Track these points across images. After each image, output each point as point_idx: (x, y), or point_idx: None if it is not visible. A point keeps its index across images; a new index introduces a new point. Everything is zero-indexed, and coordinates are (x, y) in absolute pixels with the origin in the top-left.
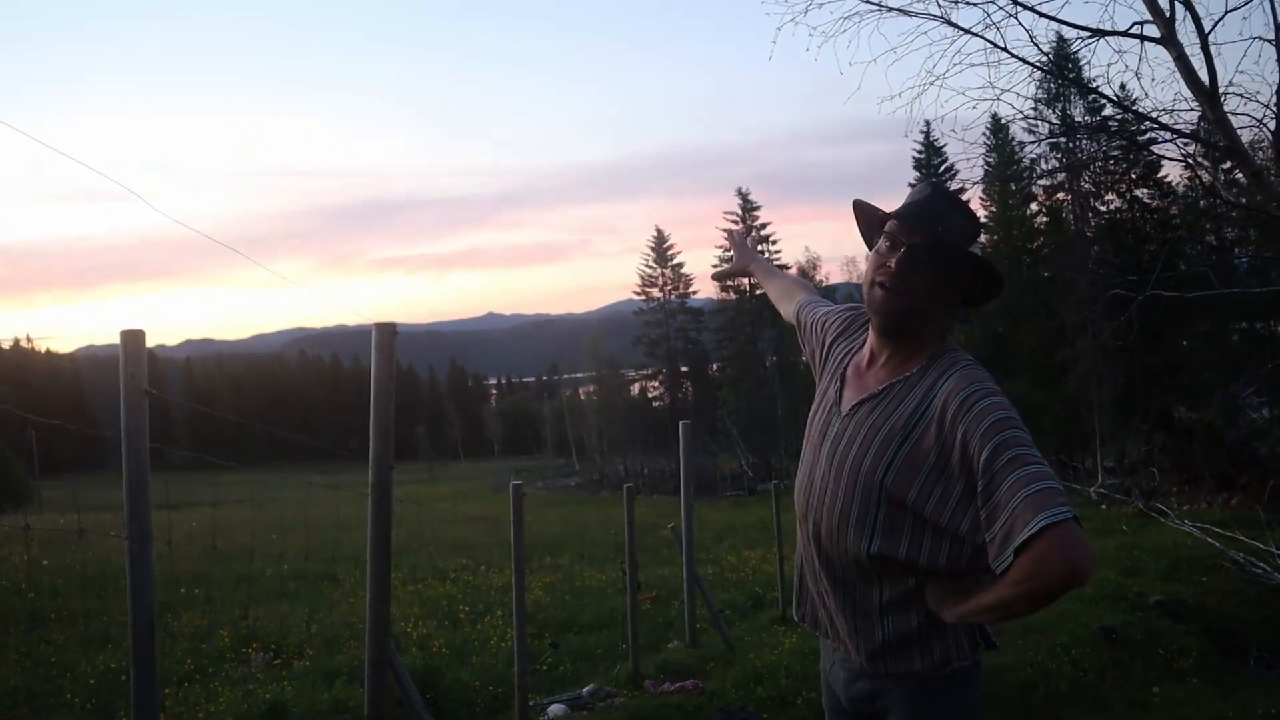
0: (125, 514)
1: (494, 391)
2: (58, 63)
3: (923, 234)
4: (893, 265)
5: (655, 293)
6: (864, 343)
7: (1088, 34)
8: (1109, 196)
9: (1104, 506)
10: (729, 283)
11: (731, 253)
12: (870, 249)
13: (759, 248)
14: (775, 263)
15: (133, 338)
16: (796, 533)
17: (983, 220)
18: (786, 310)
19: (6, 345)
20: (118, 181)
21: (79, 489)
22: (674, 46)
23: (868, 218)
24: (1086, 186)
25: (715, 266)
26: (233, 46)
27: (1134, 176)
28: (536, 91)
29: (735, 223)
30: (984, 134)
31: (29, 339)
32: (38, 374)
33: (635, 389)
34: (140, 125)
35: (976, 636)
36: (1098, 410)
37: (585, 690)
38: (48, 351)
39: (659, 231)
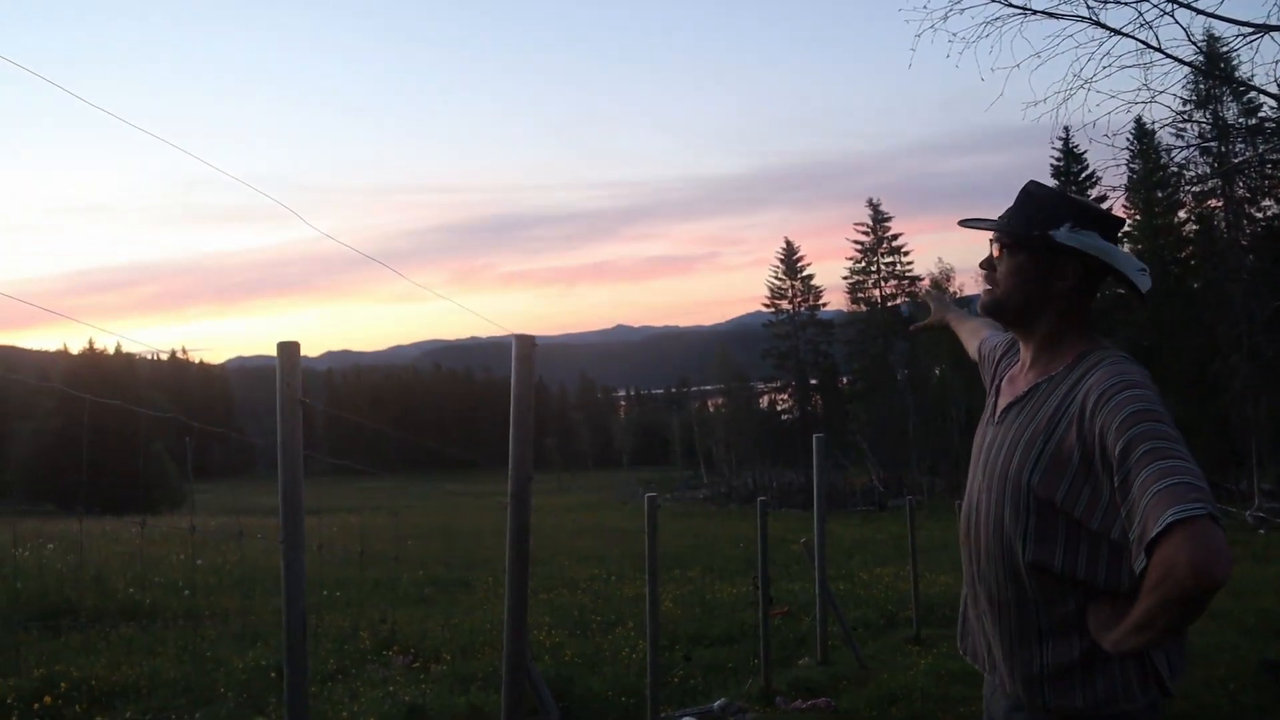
0: (281, 521)
1: (623, 403)
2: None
3: (992, 230)
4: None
5: (784, 305)
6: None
7: (1250, 30)
8: (1266, 203)
9: (1262, 532)
10: (860, 294)
11: (929, 306)
12: None
13: (889, 259)
14: (908, 274)
15: (288, 349)
16: (961, 557)
17: (1119, 216)
18: (972, 350)
19: (164, 357)
20: (277, 200)
21: (229, 493)
22: (801, 56)
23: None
24: (1241, 192)
25: (914, 309)
26: (367, 64)
27: None
28: (663, 104)
29: (866, 234)
30: (1128, 139)
31: (184, 350)
32: (192, 384)
33: (764, 402)
34: (276, 139)
35: (1149, 677)
36: (1255, 430)
37: (716, 704)
38: (200, 363)
39: (788, 243)
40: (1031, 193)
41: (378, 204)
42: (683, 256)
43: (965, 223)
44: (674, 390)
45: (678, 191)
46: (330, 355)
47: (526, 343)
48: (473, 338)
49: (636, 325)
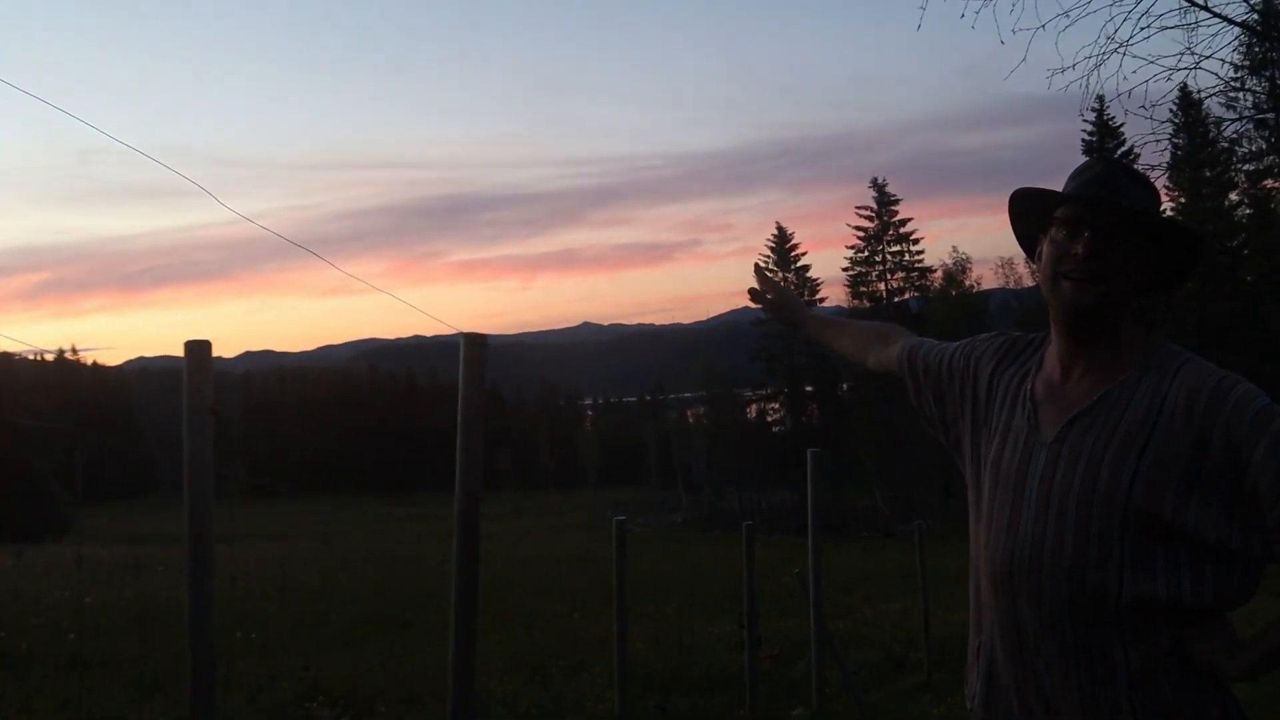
0: (186, 549)
1: (589, 413)
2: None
3: (1108, 209)
4: (1080, 250)
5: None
6: (1040, 363)
7: None
8: None
9: None
10: (863, 288)
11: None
12: (1028, 251)
13: (895, 248)
14: (918, 266)
15: (198, 349)
16: (984, 604)
17: (1170, 214)
18: (883, 355)
19: (50, 357)
20: (185, 176)
21: (123, 517)
22: (798, 15)
23: (1029, 208)
24: None
25: (758, 281)
26: (299, 19)
27: None
28: (639, 70)
29: (869, 219)
30: (1171, 111)
31: (74, 350)
32: (83, 389)
33: (752, 411)
34: (189, 105)
35: (1229, 709)
36: None
37: None
38: (94, 364)
39: (780, 229)
40: (1125, 167)
41: (308, 182)
42: (659, 244)
43: (1088, 198)
44: (648, 398)
45: (654, 170)
46: (249, 356)
47: (476, 343)
48: (416, 337)
49: (605, 323)
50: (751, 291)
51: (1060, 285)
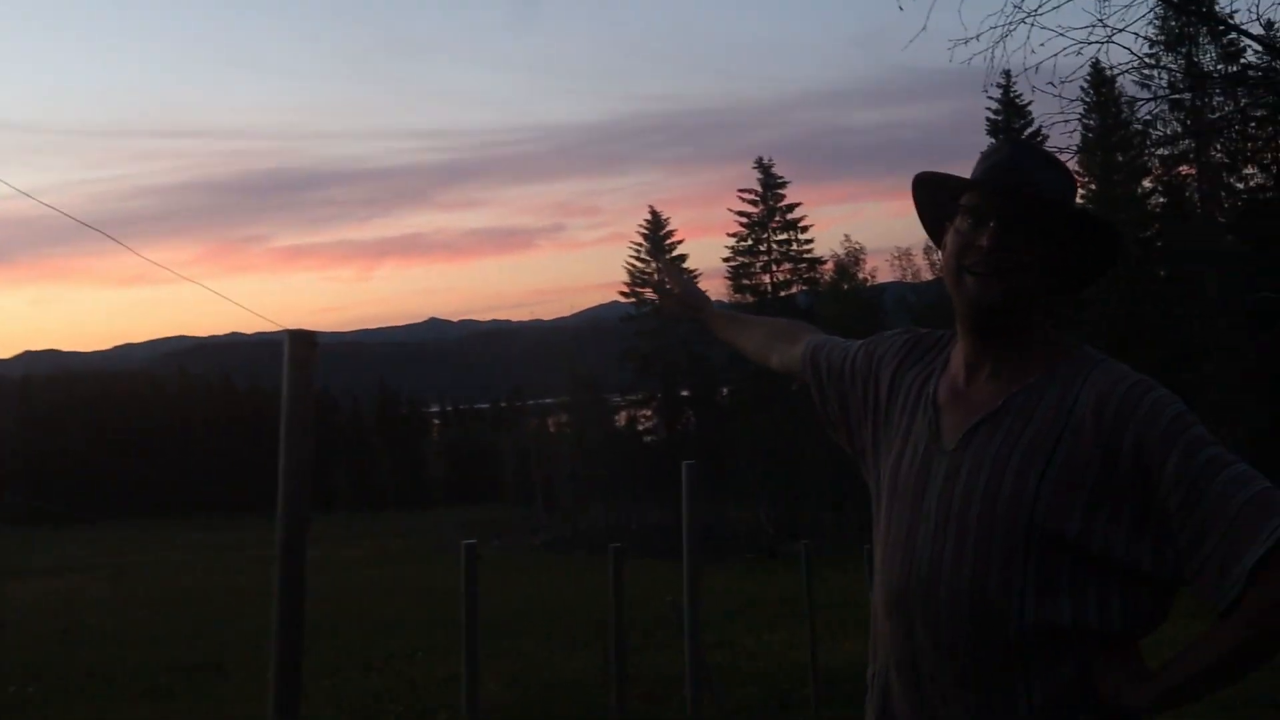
0: None
1: (436, 422)
2: None
3: (1017, 196)
4: (985, 242)
5: (649, 294)
6: (945, 363)
7: None
8: (1249, 171)
9: None
10: (746, 281)
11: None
12: (935, 238)
13: (782, 236)
14: (807, 256)
15: None
16: (879, 629)
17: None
18: (787, 355)
19: None
20: None
21: None
22: None
23: (935, 194)
24: (1219, 157)
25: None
26: None
27: None
28: (496, 31)
29: (754, 204)
30: (1082, 89)
31: None
32: None
33: (622, 419)
34: None
35: None
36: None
37: None
38: None
39: (654, 214)
40: (1037, 150)
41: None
42: (518, 230)
43: (995, 184)
44: (504, 405)
45: (513, 145)
46: (29, 357)
47: (304, 341)
48: (233, 335)
49: (455, 319)
50: (654, 286)
51: (964, 280)
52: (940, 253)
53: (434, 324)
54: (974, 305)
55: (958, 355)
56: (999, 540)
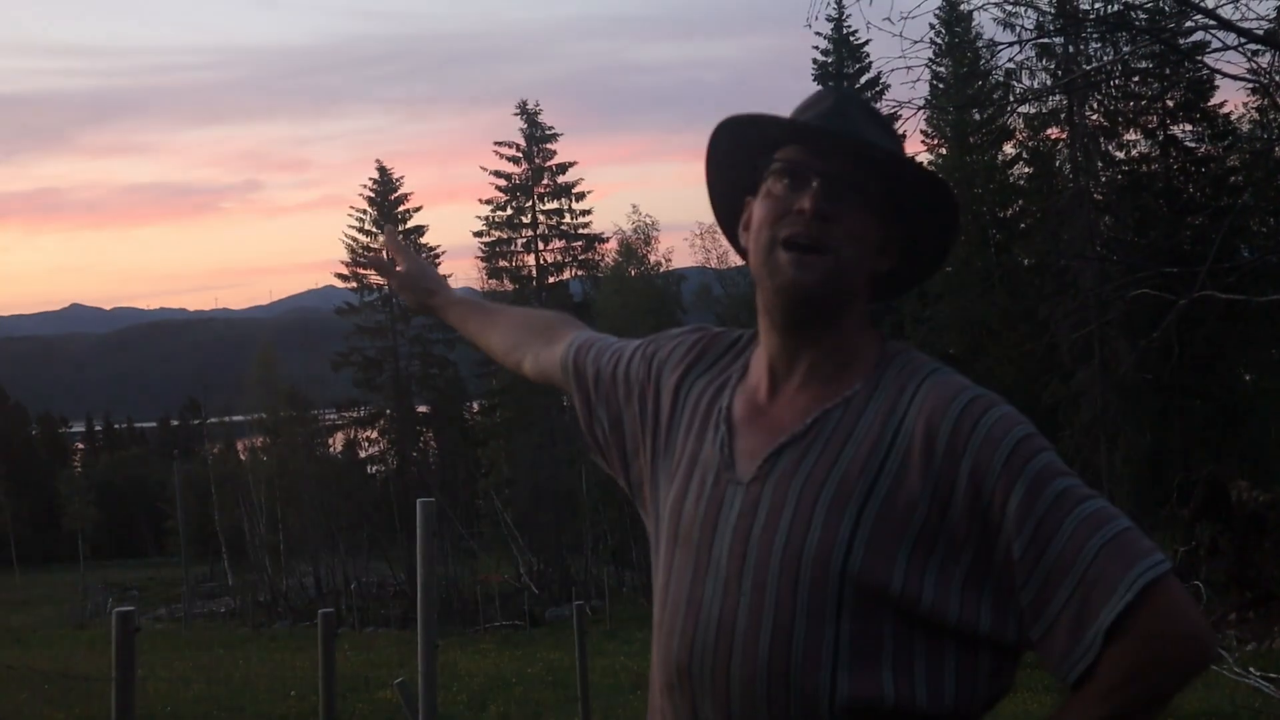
0: None
1: (79, 445)
2: None
3: (844, 151)
4: (807, 207)
5: (375, 278)
6: (743, 371)
7: None
8: (1131, 136)
9: None
10: (503, 262)
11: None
12: (725, 220)
13: (551, 204)
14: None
15: None
16: (656, 708)
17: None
18: (545, 358)
19: None
20: None
21: None
22: None
23: (738, 148)
24: (1096, 118)
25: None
26: None
27: (1172, 103)
28: None
29: (515, 160)
30: (931, 28)
31: None
32: None
33: (337, 443)
34: None
35: None
36: (1107, 481)
37: None
38: None
39: (382, 170)
40: (862, 102)
41: None
42: (196, 187)
43: (817, 135)
44: (175, 423)
45: (190, 71)
46: None
47: None
48: None
49: (108, 307)
50: (374, 260)
51: (777, 255)
52: (744, 235)
53: (77, 312)
54: (788, 290)
55: (759, 361)
56: (804, 598)
